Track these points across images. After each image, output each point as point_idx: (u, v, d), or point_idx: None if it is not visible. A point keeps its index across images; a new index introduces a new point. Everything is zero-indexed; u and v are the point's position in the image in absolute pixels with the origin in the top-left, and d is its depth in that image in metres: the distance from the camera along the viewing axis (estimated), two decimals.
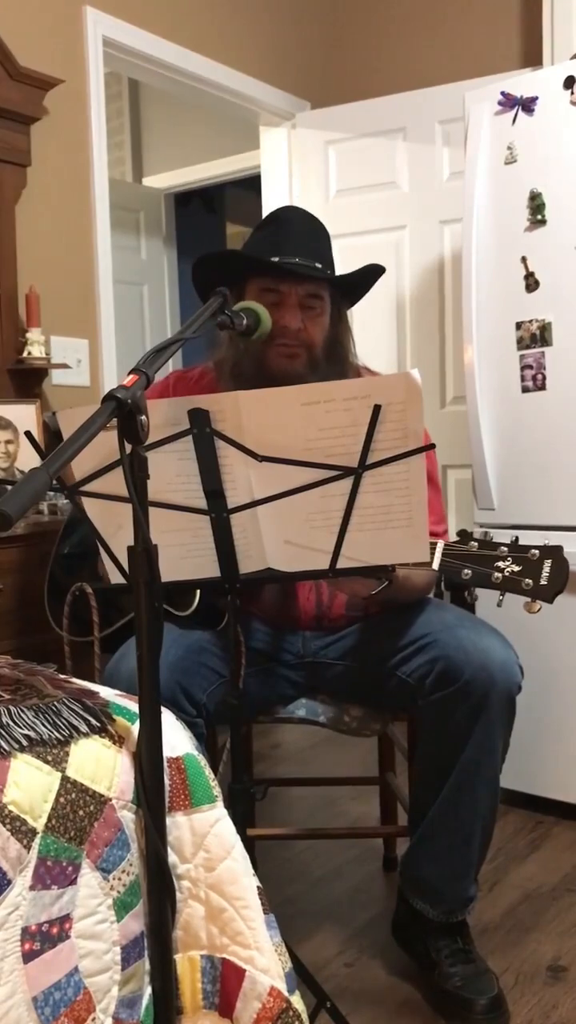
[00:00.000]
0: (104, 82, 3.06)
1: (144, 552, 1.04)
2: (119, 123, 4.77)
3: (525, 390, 2.50)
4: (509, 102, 2.49)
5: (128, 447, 1.03)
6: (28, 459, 2.53)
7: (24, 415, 2.55)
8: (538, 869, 2.24)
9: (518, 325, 2.50)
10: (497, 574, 1.48)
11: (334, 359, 1.77)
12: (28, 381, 2.69)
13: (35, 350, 2.65)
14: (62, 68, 2.84)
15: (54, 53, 2.85)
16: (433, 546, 1.50)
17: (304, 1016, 1.10)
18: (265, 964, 1.09)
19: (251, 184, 4.29)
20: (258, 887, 1.13)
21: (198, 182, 4.76)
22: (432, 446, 1.29)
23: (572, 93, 2.37)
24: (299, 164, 3.72)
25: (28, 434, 1.22)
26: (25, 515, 0.81)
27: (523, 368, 2.50)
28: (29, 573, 2.16)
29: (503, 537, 1.53)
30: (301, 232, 1.75)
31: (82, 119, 2.98)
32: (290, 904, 2.09)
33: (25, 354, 2.65)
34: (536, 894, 2.12)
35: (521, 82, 2.51)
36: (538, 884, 2.17)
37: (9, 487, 2.24)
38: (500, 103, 2.50)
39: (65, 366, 2.79)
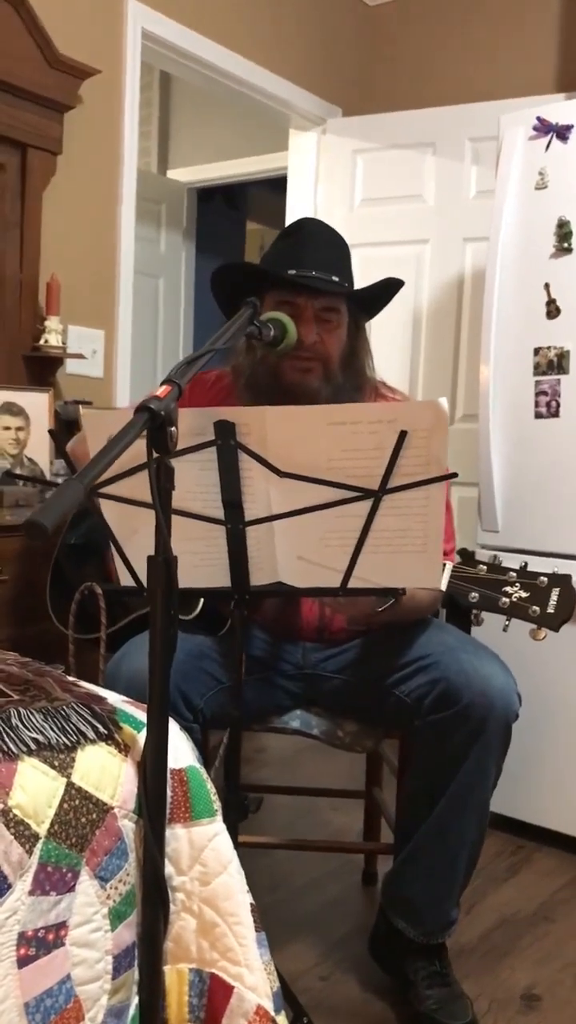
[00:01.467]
0: None
1: (164, 563, 1.04)
2: (147, 113, 4.75)
3: (538, 416, 2.50)
4: (544, 128, 2.49)
5: (155, 456, 1.03)
6: (37, 446, 2.51)
7: (37, 403, 2.54)
8: (516, 894, 2.25)
9: (536, 351, 2.50)
10: (505, 599, 1.48)
11: (350, 373, 1.77)
12: (43, 369, 2.68)
13: (52, 339, 2.64)
14: (99, 58, 2.83)
15: (92, 43, 2.85)
16: (442, 566, 1.51)
17: None
18: (254, 982, 1.09)
19: (275, 185, 4.29)
20: (251, 904, 1.13)
21: (222, 179, 4.76)
22: (454, 475, 1.29)
23: None
24: (326, 170, 3.72)
25: (52, 432, 1.22)
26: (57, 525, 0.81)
27: (538, 394, 2.50)
28: (31, 563, 2.16)
29: (511, 562, 1.53)
30: (320, 245, 1.75)
31: (115, 110, 2.97)
32: (267, 913, 2.06)
33: (42, 342, 2.64)
34: (513, 919, 2.13)
35: (557, 109, 2.52)
36: (515, 909, 2.17)
37: (16, 478, 2.24)
38: (535, 128, 2.50)
39: (81, 356, 2.79)
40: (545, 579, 1.46)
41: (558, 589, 1.46)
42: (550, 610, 1.45)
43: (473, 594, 1.50)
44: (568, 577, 1.47)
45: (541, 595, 1.46)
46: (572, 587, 1.47)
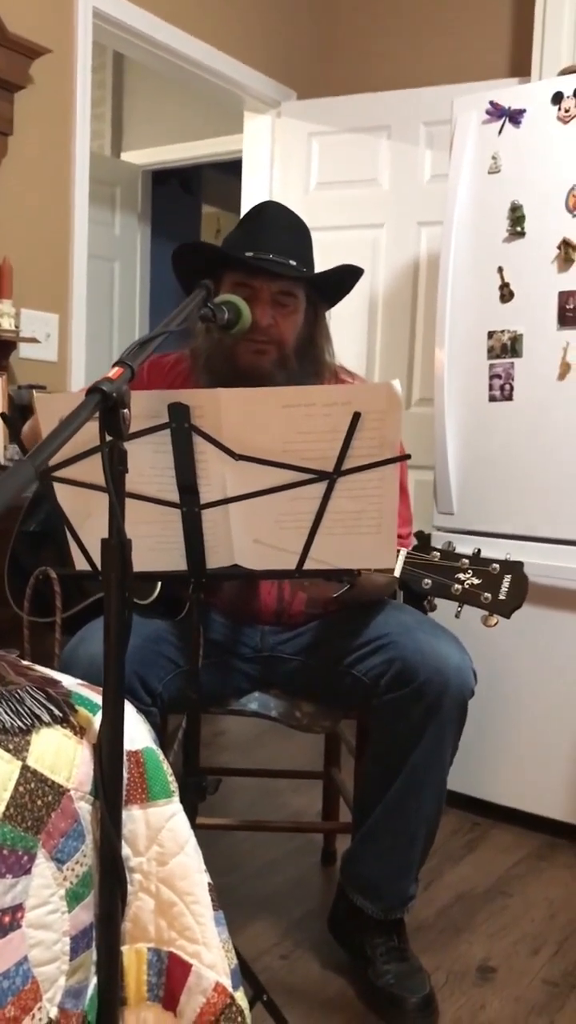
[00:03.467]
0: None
1: (118, 546, 1.04)
2: (101, 95, 4.70)
3: (492, 399, 2.53)
4: (497, 112, 2.51)
5: (108, 439, 1.03)
6: None
7: None
8: (473, 870, 2.29)
9: (490, 334, 2.53)
10: (457, 586, 1.49)
11: (307, 358, 1.77)
12: None
13: (4, 322, 2.61)
14: (50, 37, 2.79)
15: (43, 21, 2.80)
16: (396, 553, 1.52)
17: (247, 1012, 1.11)
18: (211, 960, 1.10)
19: (230, 168, 4.27)
20: (209, 883, 1.14)
21: (177, 161, 4.72)
22: (407, 456, 1.30)
23: (559, 109, 2.40)
24: (281, 153, 3.71)
25: (5, 416, 1.21)
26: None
27: (492, 377, 2.53)
28: None
29: (466, 544, 1.55)
30: (280, 229, 1.75)
31: (67, 90, 2.93)
32: (227, 894, 2.07)
33: None
34: (469, 895, 2.16)
35: (510, 93, 2.53)
36: (472, 885, 2.21)
37: None
38: (488, 112, 2.52)
39: (34, 340, 2.76)
40: (497, 566, 1.48)
41: (509, 576, 1.48)
42: (502, 597, 1.47)
43: (426, 580, 1.51)
44: (519, 564, 1.49)
45: (493, 582, 1.48)
46: (523, 574, 1.48)
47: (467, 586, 1.49)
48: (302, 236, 1.78)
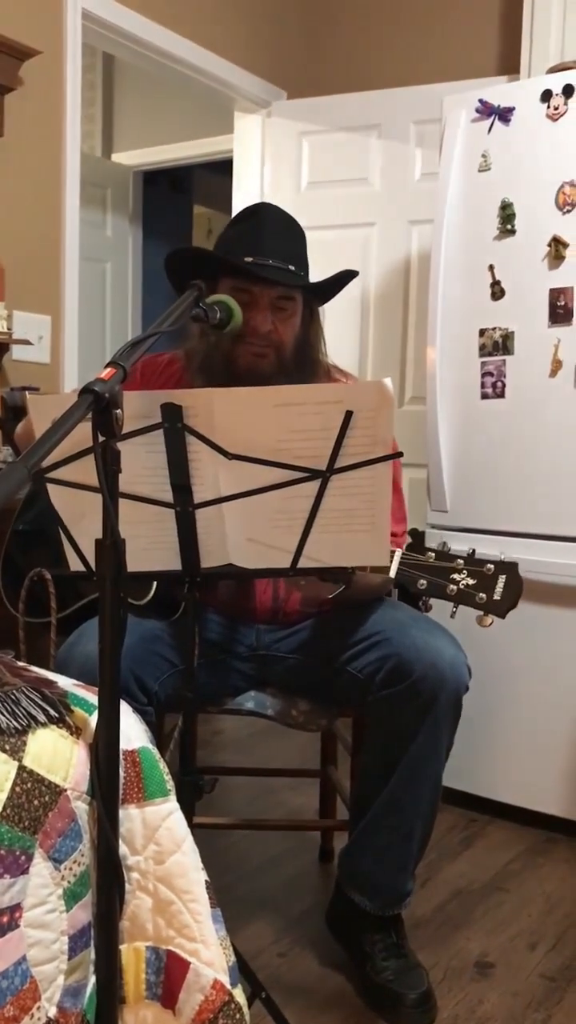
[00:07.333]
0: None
1: (112, 546, 1.05)
2: (91, 96, 4.70)
3: (484, 396, 2.54)
4: (486, 110, 2.51)
5: (101, 439, 1.03)
6: None
7: None
8: (470, 866, 2.30)
9: (481, 332, 2.53)
10: (452, 586, 1.50)
11: (304, 360, 1.78)
12: None
13: None
14: (40, 39, 2.79)
15: (32, 23, 2.80)
16: (391, 553, 1.53)
17: (245, 1009, 1.12)
18: (209, 957, 1.10)
19: (221, 168, 4.26)
20: (206, 881, 1.15)
21: (168, 162, 4.72)
22: (400, 454, 1.30)
23: (548, 107, 2.40)
24: (272, 153, 3.71)
25: None
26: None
27: (483, 375, 2.53)
28: None
29: (460, 541, 1.55)
30: (277, 232, 1.75)
31: (57, 92, 2.93)
32: (226, 893, 2.10)
33: None
34: (467, 891, 2.17)
35: (499, 91, 2.54)
36: (469, 881, 2.22)
37: None
38: (478, 110, 2.52)
39: (27, 342, 2.76)
40: (492, 566, 1.49)
41: (504, 576, 1.49)
42: (496, 597, 1.48)
43: (422, 581, 1.52)
44: (514, 564, 1.50)
45: (488, 582, 1.49)
46: (518, 574, 1.49)
47: (462, 586, 1.50)
48: (298, 238, 1.78)
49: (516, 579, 1.48)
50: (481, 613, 1.49)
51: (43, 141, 2.91)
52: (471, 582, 1.49)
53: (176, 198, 5.32)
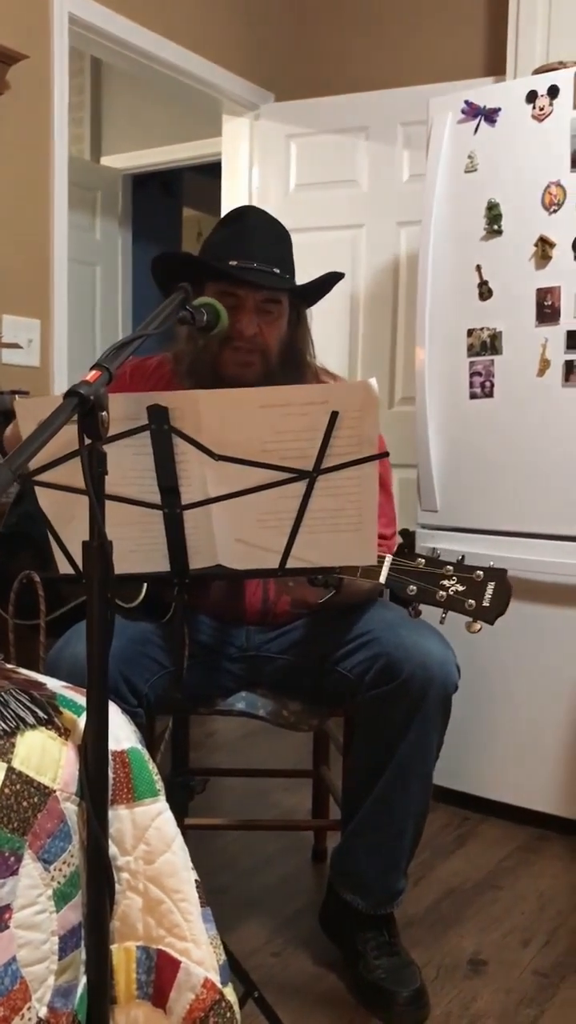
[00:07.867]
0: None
1: (99, 548, 1.05)
2: (79, 100, 4.70)
3: (473, 396, 2.55)
4: (472, 111, 2.52)
5: (87, 442, 1.03)
6: None
7: None
8: (463, 865, 2.30)
9: (469, 332, 2.54)
10: (442, 592, 1.51)
11: (291, 363, 1.79)
12: None
13: None
14: (26, 43, 2.80)
15: (19, 27, 2.81)
16: (382, 559, 1.54)
17: (236, 1008, 1.12)
18: (200, 956, 1.11)
19: (210, 170, 4.27)
20: (196, 880, 1.15)
21: (157, 165, 4.73)
22: (386, 454, 1.31)
23: (534, 107, 2.42)
24: (260, 155, 3.72)
25: None
26: None
27: (472, 375, 2.54)
28: None
29: (450, 541, 1.56)
30: (262, 236, 1.76)
31: (44, 96, 2.94)
32: (219, 893, 2.11)
33: None
34: (460, 889, 2.18)
35: (485, 92, 2.55)
36: (462, 880, 2.22)
37: None
38: (463, 111, 2.54)
39: (16, 346, 2.77)
40: (481, 573, 1.50)
41: (493, 583, 1.50)
42: (485, 603, 1.49)
43: (411, 587, 1.53)
44: (503, 571, 1.51)
45: (477, 589, 1.50)
46: (507, 581, 1.50)
47: (451, 593, 1.51)
48: (283, 242, 1.79)
49: (505, 585, 1.50)
50: (470, 619, 1.50)
51: (31, 145, 2.91)
52: (460, 588, 1.50)
53: (166, 201, 5.32)
